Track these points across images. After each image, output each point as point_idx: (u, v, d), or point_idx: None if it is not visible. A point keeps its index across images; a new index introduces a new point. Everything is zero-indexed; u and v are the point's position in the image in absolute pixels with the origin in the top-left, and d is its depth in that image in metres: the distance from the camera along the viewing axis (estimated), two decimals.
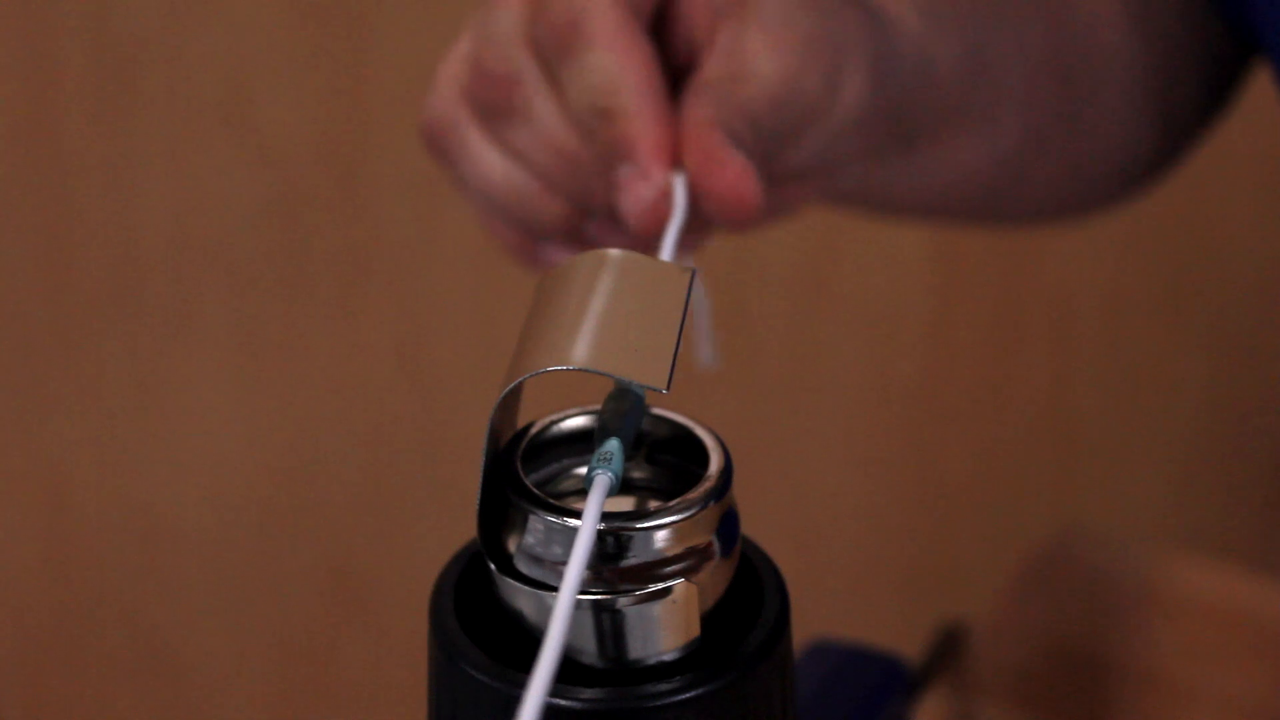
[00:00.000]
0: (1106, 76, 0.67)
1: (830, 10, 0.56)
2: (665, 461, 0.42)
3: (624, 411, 0.41)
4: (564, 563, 0.39)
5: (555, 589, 0.40)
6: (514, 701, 0.39)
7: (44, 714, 1.29)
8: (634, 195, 0.53)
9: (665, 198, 0.53)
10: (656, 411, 0.43)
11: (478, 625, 0.41)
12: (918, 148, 0.61)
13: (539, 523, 0.40)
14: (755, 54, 0.54)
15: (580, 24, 0.54)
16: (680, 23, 0.56)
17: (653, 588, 0.39)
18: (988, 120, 0.63)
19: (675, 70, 0.57)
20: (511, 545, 0.40)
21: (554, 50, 0.55)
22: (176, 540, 1.24)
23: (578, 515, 0.39)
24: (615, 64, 0.54)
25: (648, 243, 0.55)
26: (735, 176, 0.53)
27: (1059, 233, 1.18)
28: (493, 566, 0.40)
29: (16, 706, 1.28)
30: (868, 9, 0.58)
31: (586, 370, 0.40)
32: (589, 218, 0.57)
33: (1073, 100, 0.66)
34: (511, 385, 0.40)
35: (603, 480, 0.40)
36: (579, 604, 0.39)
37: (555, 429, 0.42)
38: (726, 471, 0.41)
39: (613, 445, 0.41)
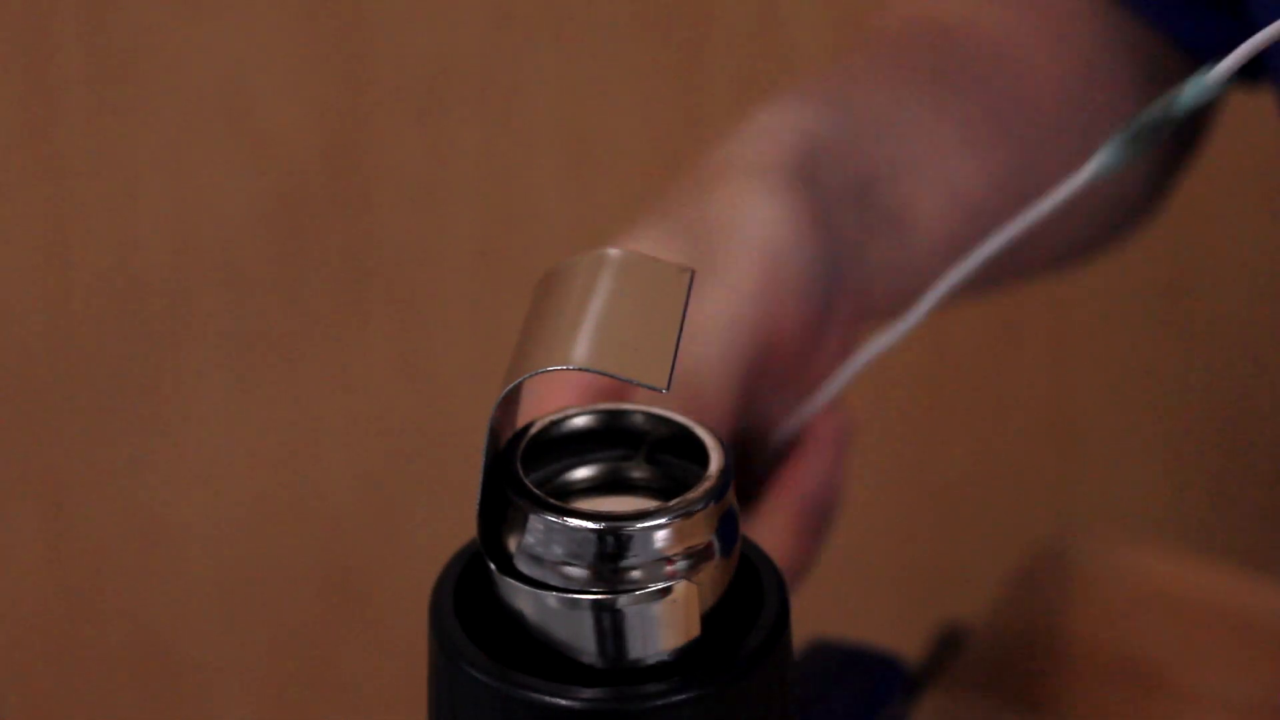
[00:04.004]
0: (1056, 125, 0.67)
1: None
2: (665, 461, 0.42)
3: None
4: (564, 563, 0.39)
5: (555, 589, 0.40)
6: (514, 701, 0.39)
7: (44, 714, 1.29)
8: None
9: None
10: (656, 411, 0.43)
11: (478, 625, 0.41)
12: (876, 230, 0.62)
13: (539, 523, 0.40)
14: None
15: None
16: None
17: (653, 587, 0.39)
18: (940, 182, 0.64)
19: None
20: (511, 545, 0.40)
21: None
22: (177, 541, 1.24)
23: (577, 515, 0.39)
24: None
25: None
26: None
27: None
28: (493, 566, 0.40)
29: (16, 706, 1.28)
30: (832, 232, 0.59)
31: (586, 370, 0.40)
32: None
33: (1024, 154, 0.67)
34: (511, 385, 0.40)
35: None
36: (578, 603, 0.39)
37: (555, 429, 0.42)
38: (726, 471, 0.41)
39: None
